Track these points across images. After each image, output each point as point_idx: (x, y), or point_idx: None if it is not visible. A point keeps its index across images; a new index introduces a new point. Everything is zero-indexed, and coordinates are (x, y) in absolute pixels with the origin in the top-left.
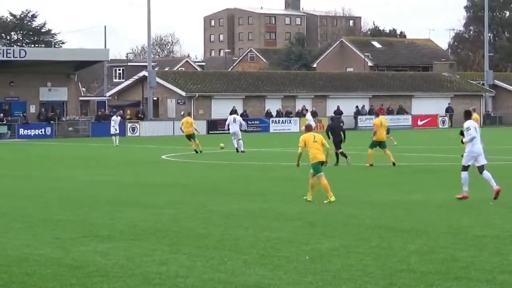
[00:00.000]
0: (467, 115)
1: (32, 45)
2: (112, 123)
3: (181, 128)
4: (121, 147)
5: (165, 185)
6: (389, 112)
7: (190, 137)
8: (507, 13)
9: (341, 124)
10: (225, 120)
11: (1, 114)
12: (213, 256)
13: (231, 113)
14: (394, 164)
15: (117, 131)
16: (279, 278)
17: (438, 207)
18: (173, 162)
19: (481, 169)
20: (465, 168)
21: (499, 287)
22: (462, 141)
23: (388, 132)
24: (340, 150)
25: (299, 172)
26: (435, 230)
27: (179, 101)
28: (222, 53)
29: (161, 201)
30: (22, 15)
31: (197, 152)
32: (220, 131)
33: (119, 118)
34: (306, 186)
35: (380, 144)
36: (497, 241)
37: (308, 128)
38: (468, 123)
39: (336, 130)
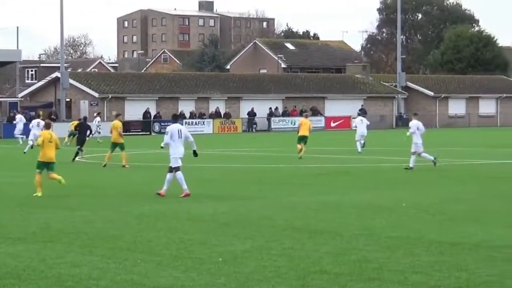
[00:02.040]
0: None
1: None
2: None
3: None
4: (34, 149)
5: (77, 187)
6: (302, 113)
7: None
8: (420, 16)
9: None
10: (139, 121)
11: None
12: (126, 258)
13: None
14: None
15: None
16: (192, 280)
17: (351, 208)
18: (86, 164)
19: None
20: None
21: None
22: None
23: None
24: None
25: (212, 173)
26: (348, 231)
27: (92, 102)
28: (135, 54)
29: (74, 203)
30: None
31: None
32: (134, 133)
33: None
34: (220, 187)
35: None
36: (409, 242)
37: (47, 126)
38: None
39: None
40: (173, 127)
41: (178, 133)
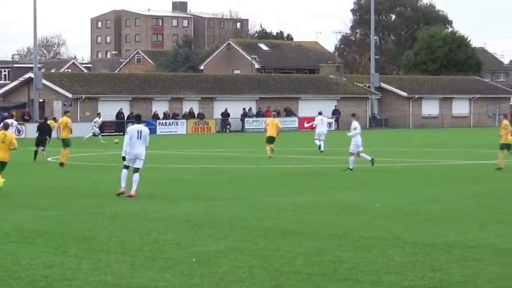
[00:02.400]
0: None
1: None
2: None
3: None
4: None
5: (50, 187)
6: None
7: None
8: (393, 17)
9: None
10: (113, 122)
11: None
12: (99, 258)
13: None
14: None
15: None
16: (165, 280)
17: (324, 209)
18: (59, 164)
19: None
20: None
21: None
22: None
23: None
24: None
25: (186, 174)
26: (322, 232)
27: (65, 103)
28: (109, 55)
29: (47, 203)
30: None
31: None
32: (107, 133)
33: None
34: (194, 188)
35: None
36: (382, 243)
37: (5, 126)
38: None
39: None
40: (133, 128)
41: (138, 134)
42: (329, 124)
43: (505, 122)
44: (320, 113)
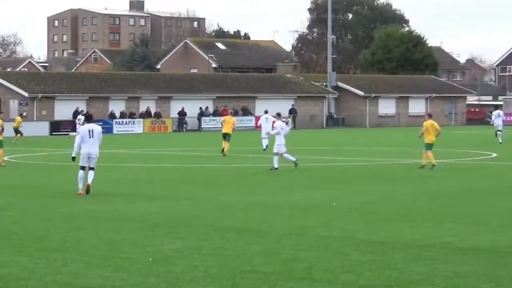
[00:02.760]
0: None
1: None
2: None
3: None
4: None
5: (6, 187)
6: (235, 113)
7: None
8: (350, 16)
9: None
10: (69, 121)
11: None
12: (55, 258)
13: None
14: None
15: None
16: (122, 280)
17: (281, 208)
18: (15, 164)
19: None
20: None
21: (341, 287)
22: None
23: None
24: None
25: (143, 173)
26: (278, 230)
27: (21, 102)
28: (65, 54)
29: (2, 203)
30: None
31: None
32: (63, 132)
33: None
34: (151, 187)
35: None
36: (339, 241)
37: None
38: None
39: None
40: (84, 128)
41: (89, 133)
42: (286, 123)
43: (428, 122)
44: (266, 112)
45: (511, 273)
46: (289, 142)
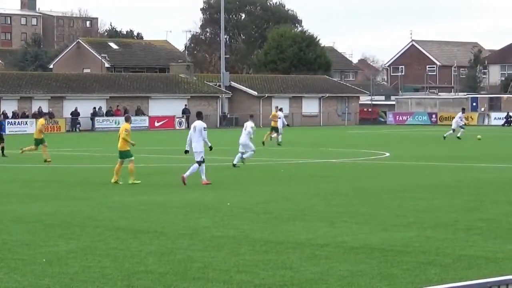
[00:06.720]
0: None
1: None
2: None
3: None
4: None
5: None
6: (125, 112)
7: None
8: (243, 16)
9: None
10: None
11: None
12: None
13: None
14: None
15: None
16: (15, 281)
17: (175, 208)
18: None
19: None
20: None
21: (236, 287)
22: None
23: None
24: None
25: (37, 174)
26: (173, 231)
27: None
28: None
29: None
30: None
31: None
32: None
33: None
34: (45, 188)
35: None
36: (234, 242)
37: None
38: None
39: None
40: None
41: None
42: (180, 123)
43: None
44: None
45: (404, 271)
46: (181, 143)
